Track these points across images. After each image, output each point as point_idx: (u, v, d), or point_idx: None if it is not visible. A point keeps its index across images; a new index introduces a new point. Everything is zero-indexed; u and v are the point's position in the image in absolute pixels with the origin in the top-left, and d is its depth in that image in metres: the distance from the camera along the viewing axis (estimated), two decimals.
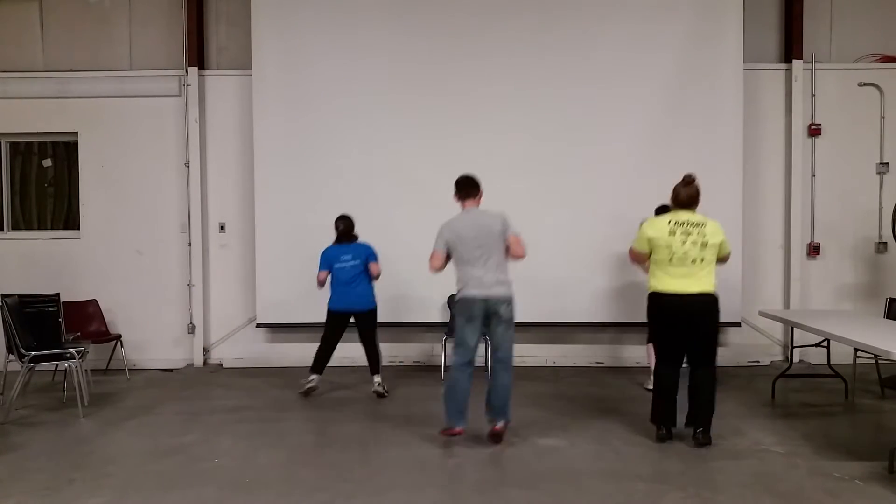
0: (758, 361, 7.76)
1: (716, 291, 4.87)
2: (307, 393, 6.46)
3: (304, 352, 7.78)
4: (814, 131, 7.81)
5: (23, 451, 5.02)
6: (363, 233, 6.64)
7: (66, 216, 8.25)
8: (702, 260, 4.78)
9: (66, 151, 8.21)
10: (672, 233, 4.79)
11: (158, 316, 7.94)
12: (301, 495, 4.13)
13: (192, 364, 7.95)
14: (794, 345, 6.67)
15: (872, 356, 5.54)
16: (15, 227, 8.24)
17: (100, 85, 7.91)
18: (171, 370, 7.81)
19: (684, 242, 4.76)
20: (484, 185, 5.12)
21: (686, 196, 4.87)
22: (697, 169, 7.49)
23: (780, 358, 7.82)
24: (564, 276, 7.46)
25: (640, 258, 5.07)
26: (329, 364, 7.01)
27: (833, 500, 3.99)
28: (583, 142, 7.49)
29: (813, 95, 7.80)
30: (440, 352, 7.32)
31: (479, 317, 4.84)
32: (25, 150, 8.28)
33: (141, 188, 7.95)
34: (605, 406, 6.03)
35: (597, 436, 5.16)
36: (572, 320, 7.61)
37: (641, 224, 5.08)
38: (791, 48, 7.78)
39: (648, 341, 6.18)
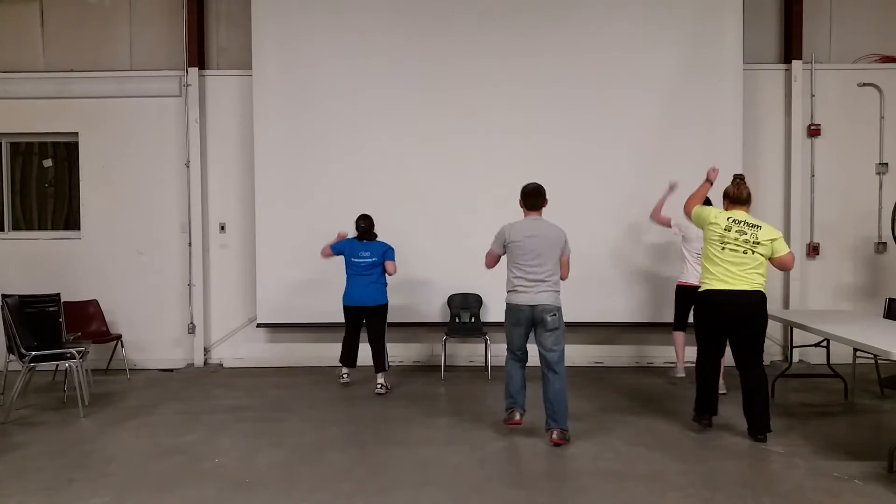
0: None
1: (763, 288, 4.97)
2: (346, 384, 6.85)
3: (304, 352, 7.84)
4: (813, 131, 7.81)
5: (23, 451, 5.02)
6: None
7: (66, 216, 8.26)
8: (752, 254, 4.90)
9: (66, 151, 8.22)
10: (728, 228, 4.93)
11: (159, 316, 7.95)
12: (301, 495, 4.14)
13: (193, 364, 7.95)
14: (794, 345, 6.68)
15: (872, 356, 5.54)
16: (15, 227, 8.24)
17: (100, 85, 7.92)
18: (171, 370, 7.81)
19: (737, 240, 4.90)
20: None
21: (738, 195, 5.06)
22: (697, 169, 7.50)
23: (779, 358, 7.81)
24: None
25: (692, 202, 5.30)
26: (328, 364, 7.04)
27: (833, 500, 3.99)
28: (582, 142, 7.49)
29: (812, 96, 7.81)
30: (440, 352, 7.33)
31: (526, 323, 5.00)
32: (26, 151, 8.28)
33: (141, 188, 7.96)
34: (605, 406, 6.03)
35: (597, 436, 5.16)
36: (573, 320, 7.59)
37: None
38: (791, 48, 7.78)
39: (675, 329, 6.63)
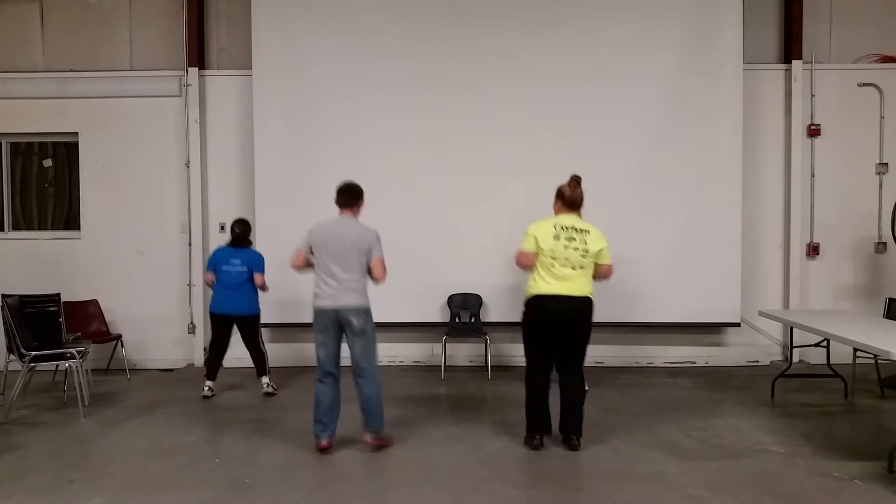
0: (757, 361, 7.76)
1: (592, 295, 4.79)
2: (207, 398, 6.48)
3: (303, 352, 7.81)
4: (813, 131, 7.81)
5: (23, 451, 5.02)
6: None
7: (66, 216, 8.26)
8: (581, 267, 4.71)
9: (66, 151, 8.22)
10: (556, 237, 4.70)
11: (159, 316, 7.95)
12: (301, 495, 4.14)
13: (193, 364, 7.95)
14: (794, 345, 6.67)
15: (872, 356, 5.54)
16: (15, 227, 8.25)
17: (100, 85, 7.92)
18: (171, 370, 7.81)
19: (566, 248, 4.68)
20: (367, 194, 5.00)
21: (572, 198, 4.80)
22: (697, 169, 7.56)
23: (779, 358, 7.82)
24: None
25: (530, 259, 4.76)
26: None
27: (833, 500, 3.99)
28: (583, 142, 7.48)
29: (812, 96, 7.81)
30: (440, 351, 7.33)
31: (332, 328, 4.74)
32: (26, 150, 8.29)
33: (141, 188, 7.96)
34: (605, 405, 6.03)
35: (597, 436, 5.15)
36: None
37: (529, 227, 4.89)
38: (791, 48, 7.78)
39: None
